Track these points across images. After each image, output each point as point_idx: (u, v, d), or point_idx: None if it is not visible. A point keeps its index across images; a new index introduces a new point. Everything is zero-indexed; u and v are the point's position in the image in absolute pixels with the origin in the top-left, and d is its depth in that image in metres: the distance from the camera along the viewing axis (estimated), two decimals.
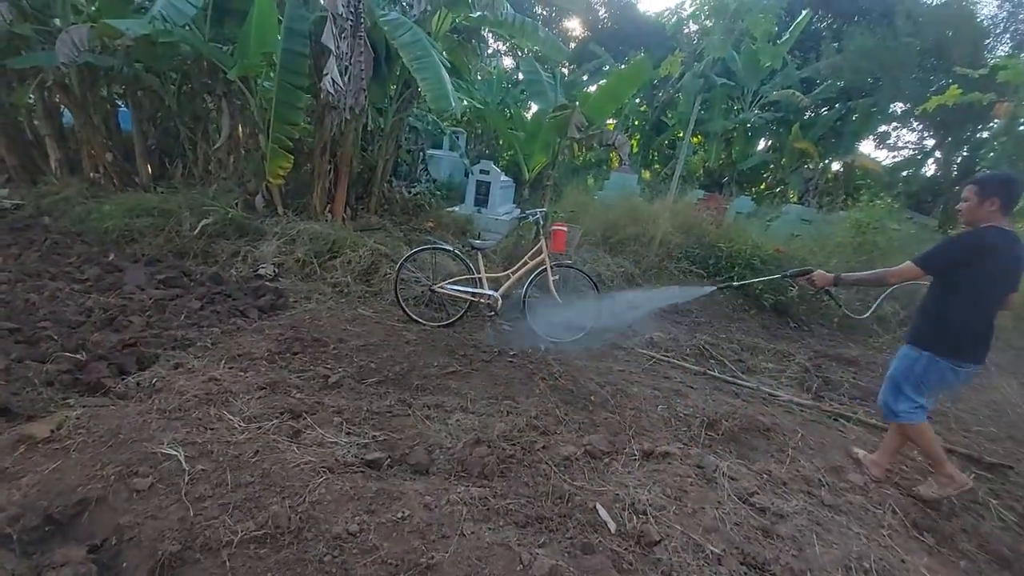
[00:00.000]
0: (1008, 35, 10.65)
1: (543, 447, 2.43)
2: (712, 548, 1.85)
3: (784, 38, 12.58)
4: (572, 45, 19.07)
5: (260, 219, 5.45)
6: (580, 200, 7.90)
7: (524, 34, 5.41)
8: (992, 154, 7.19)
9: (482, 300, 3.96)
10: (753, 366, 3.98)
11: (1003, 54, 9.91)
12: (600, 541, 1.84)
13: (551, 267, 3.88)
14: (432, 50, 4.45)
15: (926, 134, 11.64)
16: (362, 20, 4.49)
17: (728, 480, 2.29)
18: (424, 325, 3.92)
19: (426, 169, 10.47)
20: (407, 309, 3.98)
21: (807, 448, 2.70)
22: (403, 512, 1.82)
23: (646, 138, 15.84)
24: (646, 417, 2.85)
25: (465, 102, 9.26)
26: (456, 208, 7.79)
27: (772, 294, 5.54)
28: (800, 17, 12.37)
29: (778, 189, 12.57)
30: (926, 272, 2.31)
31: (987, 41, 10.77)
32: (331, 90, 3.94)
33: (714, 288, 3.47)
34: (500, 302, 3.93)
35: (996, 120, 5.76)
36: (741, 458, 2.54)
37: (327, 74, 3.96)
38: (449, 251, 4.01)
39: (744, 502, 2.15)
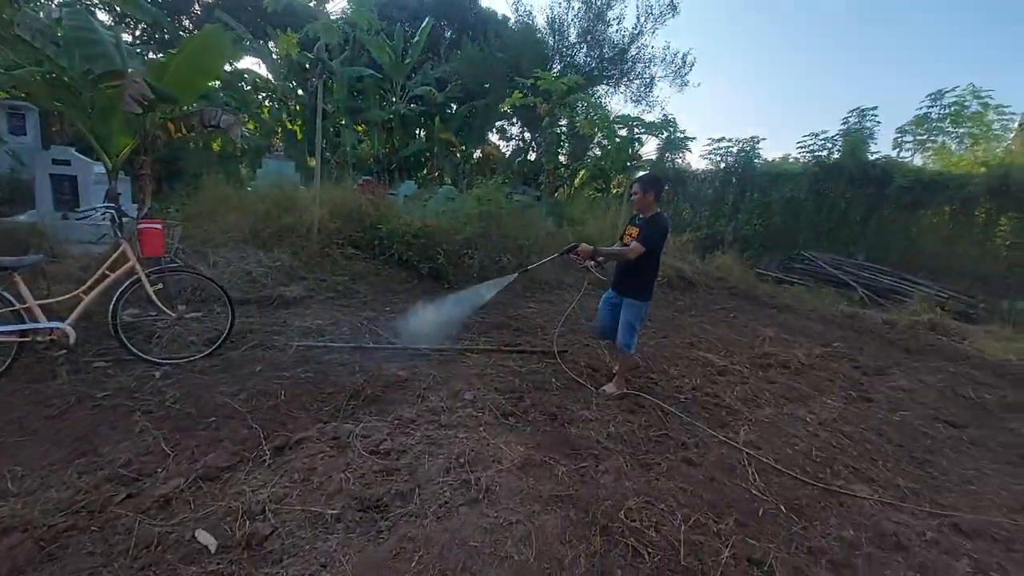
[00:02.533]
0: (558, 56, 15.13)
1: (129, 496, 1.94)
2: (331, 512, 1.90)
3: (415, 39, 14.11)
4: (196, 9, 16.04)
5: None
6: (222, 193, 6.80)
7: None
8: (552, 140, 10.36)
9: (40, 337, 2.84)
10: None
11: (555, 70, 14.10)
12: (196, 570, 1.60)
13: (146, 275, 3.11)
14: None
15: (523, 128, 15.52)
16: None
17: (360, 440, 2.42)
18: None
19: None
20: None
21: (436, 385, 3.17)
22: None
23: (309, 125, 15.06)
24: (285, 409, 2.70)
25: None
26: (22, 216, 5.38)
27: (427, 263, 6.26)
28: (424, 23, 14.06)
29: (436, 173, 14.31)
30: (648, 249, 3.09)
31: (549, 61, 15.09)
32: None
33: (515, 276, 3.82)
34: (72, 334, 2.91)
35: (543, 116, 8.31)
36: (380, 414, 2.74)
37: None
38: None
39: (373, 453, 2.32)
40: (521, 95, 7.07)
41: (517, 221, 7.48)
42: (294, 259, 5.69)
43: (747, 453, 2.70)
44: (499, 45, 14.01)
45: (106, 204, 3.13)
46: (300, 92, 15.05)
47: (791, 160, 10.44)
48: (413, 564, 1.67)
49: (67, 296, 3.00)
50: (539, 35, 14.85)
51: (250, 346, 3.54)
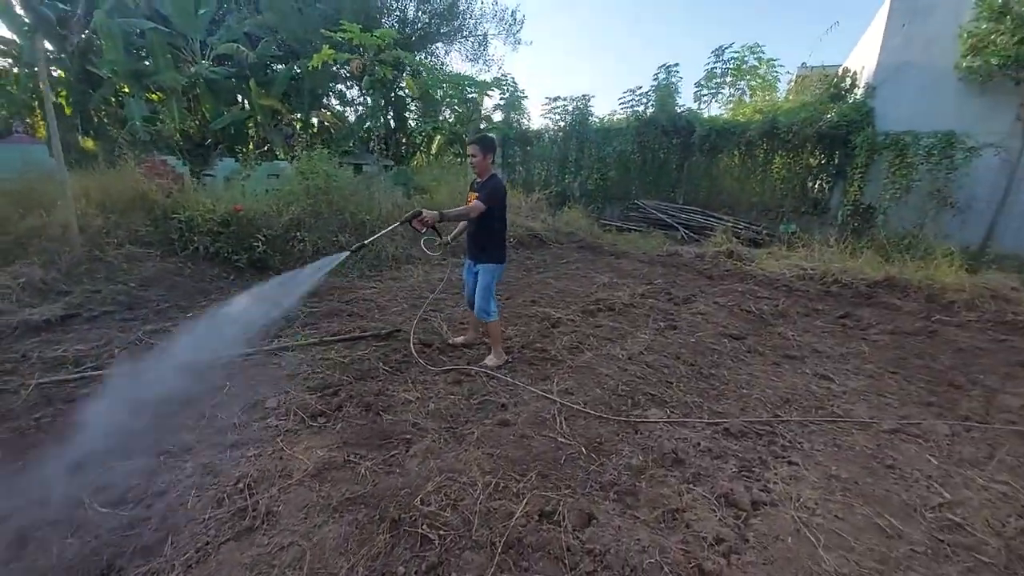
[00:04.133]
0: (386, 10, 13.91)
1: None
2: None
3: None
4: None
5: None
6: None
7: None
8: (399, 104, 9.67)
9: None
10: None
11: (386, 24, 12.97)
12: None
13: None
14: None
15: (364, 92, 14.24)
16: None
17: (100, 493, 1.94)
18: None
19: None
20: None
21: (230, 398, 2.73)
22: None
23: (77, 95, 11.93)
24: None
25: None
26: None
27: (242, 253, 5.43)
28: None
29: (266, 148, 12.50)
30: (489, 208, 3.09)
31: (376, 15, 13.79)
32: None
33: (347, 253, 3.16)
34: None
35: (355, 72, 7.61)
36: (142, 452, 2.25)
37: None
38: None
39: (115, 505, 1.88)
40: (331, 51, 6.27)
41: (356, 195, 6.87)
42: (49, 271, 4.46)
43: (559, 403, 2.83)
44: None
45: None
46: (62, 55, 11.81)
47: (618, 116, 11.27)
48: None
49: None
50: None
51: None
